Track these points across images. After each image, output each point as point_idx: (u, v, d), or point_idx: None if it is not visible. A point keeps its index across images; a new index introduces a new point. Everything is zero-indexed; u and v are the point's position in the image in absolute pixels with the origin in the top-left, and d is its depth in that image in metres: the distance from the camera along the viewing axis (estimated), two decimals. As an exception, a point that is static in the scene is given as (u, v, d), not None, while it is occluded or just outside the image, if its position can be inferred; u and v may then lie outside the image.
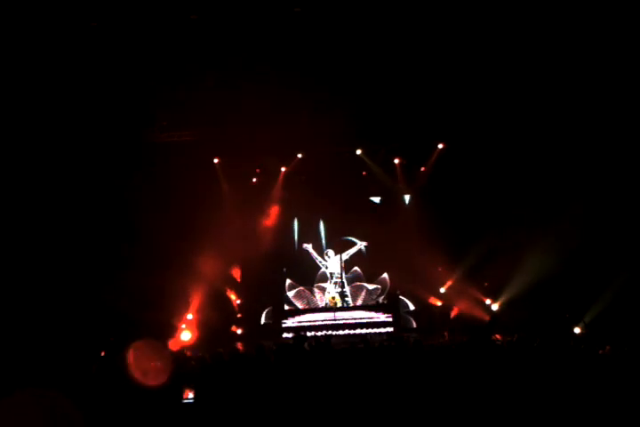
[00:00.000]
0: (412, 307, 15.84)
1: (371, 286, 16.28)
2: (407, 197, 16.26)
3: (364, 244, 16.40)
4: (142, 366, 5.07)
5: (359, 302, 16.11)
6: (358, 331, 15.01)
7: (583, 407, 4.30)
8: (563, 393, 4.42)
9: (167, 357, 5.91)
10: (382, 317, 15.46)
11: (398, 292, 15.90)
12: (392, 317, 15.46)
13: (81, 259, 12.98)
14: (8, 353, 8.68)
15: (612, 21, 10.44)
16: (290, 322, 15.54)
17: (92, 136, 12.87)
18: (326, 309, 15.82)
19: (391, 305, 15.74)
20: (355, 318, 15.43)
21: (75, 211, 13.21)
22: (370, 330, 15.02)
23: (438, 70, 12.32)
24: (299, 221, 16.50)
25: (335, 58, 11.97)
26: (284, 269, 16.34)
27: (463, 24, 11.10)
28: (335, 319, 15.30)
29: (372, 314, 15.54)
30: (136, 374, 4.91)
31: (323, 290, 16.26)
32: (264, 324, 15.80)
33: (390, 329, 15.08)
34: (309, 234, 16.52)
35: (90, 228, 13.26)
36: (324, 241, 16.59)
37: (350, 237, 16.49)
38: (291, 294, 16.24)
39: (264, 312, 15.91)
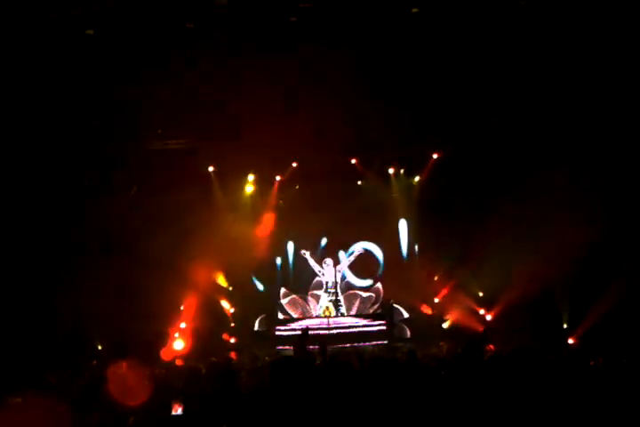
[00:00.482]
0: (406, 315, 15.78)
1: (365, 294, 16.26)
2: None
3: (361, 252, 16.39)
4: (121, 386, 5.01)
5: (353, 312, 16.06)
6: (354, 344, 14.73)
7: (576, 420, 4.25)
8: (555, 406, 4.37)
9: (147, 377, 5.84)
10: (376, 327, 15.39)
11: (392, 301, 15.86)
12: (386, 326, 15.38)
13: (72, 265, 12.92)
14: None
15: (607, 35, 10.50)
16: (284, 331, 15.42)
17: (88, 142, 12.85)
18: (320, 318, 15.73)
19: (385, 315, 15.68)
20: (349, 328, 15.35)
21: (67, 218, 13.16)
22: (364, 343, 14.79)
23: (434, 77, 12.34)
24: (294, 229, 16.47)
25: (331, 66, 12.00)
26: (279, 277, 16.32)
27: (459, 32, 11.16)
28: (329, 328, 15.19)
29: (366, 323, 15.48)
30: (115, 394, 4.84)
31: (317, 298, 16.21)
32: (257, 331, 15.70)
33: (385, 341, 14.92)
34: (305, 242, 16.49)
35: (80, 235, 13.19)
36: (320, 249, 16.57)
37: (348, 248, 16.49)
38: (284, 301, 16.18)
39: (257, 320, 15.83)
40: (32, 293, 12.34)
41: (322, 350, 6.86)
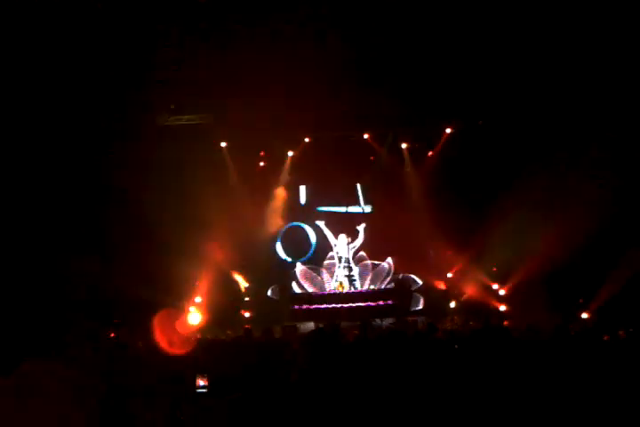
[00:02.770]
0: (420, 282, 15.78)
1: (377, 263, 16.30)
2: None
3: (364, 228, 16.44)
4: (168, 335, 5.11)
5: (366, 284, 16.11)
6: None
7: (590, 399, 4.27)
8: (570, 385, 4.40)
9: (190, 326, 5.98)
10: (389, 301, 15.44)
11: (401, 275, 15.92)
12: (398, 299, 15.43)
13: (91, 242, 13.02)
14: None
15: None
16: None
17: (102, 119, 12.83)
18: (334, 295, 15.79)
19: (397, 288, 15.74)
20: (362, 301, 15.42)
21: (83, 195, 13.23)
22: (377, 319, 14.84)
23: (446, 54, 12.15)
24: (306, 202, 16.52)
25: (344, 41, 11.83)
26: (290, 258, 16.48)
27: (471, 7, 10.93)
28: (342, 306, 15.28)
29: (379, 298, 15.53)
30: (162, 343, 4.96)
31: (331, 271, 16.28)
32: (270, 297, 15.84)
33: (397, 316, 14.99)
34: (316, 216, 16.55)
35: (97, 211, 13.28)
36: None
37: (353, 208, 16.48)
38: (298, 272, 16.31)
39: (270, 289, 15.95)
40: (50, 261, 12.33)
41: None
